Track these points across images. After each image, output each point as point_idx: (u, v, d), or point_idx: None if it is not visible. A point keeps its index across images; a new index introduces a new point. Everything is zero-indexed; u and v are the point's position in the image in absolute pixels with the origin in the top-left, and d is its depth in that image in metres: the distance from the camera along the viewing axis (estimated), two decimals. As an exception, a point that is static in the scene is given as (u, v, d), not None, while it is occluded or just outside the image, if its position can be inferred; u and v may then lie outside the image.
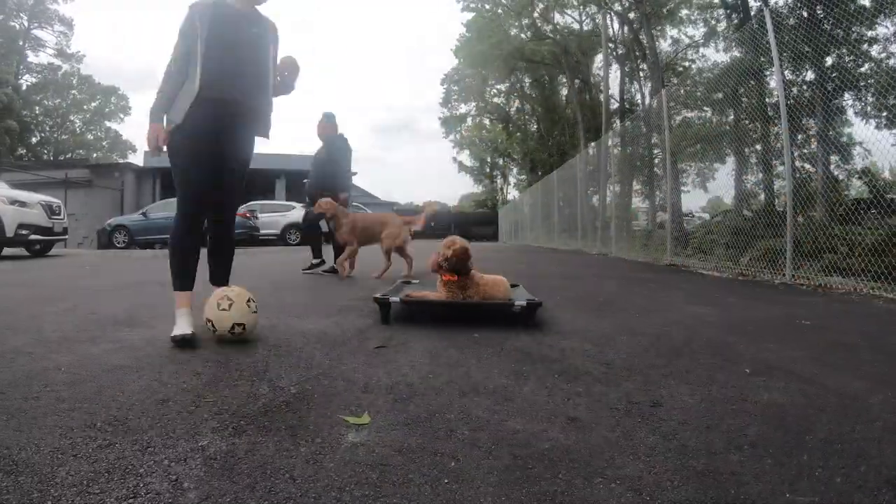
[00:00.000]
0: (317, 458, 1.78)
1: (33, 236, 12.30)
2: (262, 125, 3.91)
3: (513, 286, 4.92)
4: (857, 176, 10.60)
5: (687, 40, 31.88)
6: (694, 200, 14.31)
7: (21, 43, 49.43)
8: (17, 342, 3.39)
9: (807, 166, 11.14)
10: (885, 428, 2.12)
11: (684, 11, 30.42)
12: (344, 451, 1.84)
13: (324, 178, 8.43)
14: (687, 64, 31.56)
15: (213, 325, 3.43)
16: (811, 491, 1.61)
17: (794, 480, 1.67)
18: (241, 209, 21.80)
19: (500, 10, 37.32)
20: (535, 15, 35.82)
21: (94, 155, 57.94)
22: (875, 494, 1.59)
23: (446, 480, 1.65)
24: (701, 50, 30.61)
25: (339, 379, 2.68)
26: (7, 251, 12.29)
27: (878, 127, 11.01)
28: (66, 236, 13.95)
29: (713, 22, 28.68)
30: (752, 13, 17.69)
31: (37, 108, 54.88)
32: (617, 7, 29.61)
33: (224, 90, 3.59)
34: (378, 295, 4.29)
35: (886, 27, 10.65)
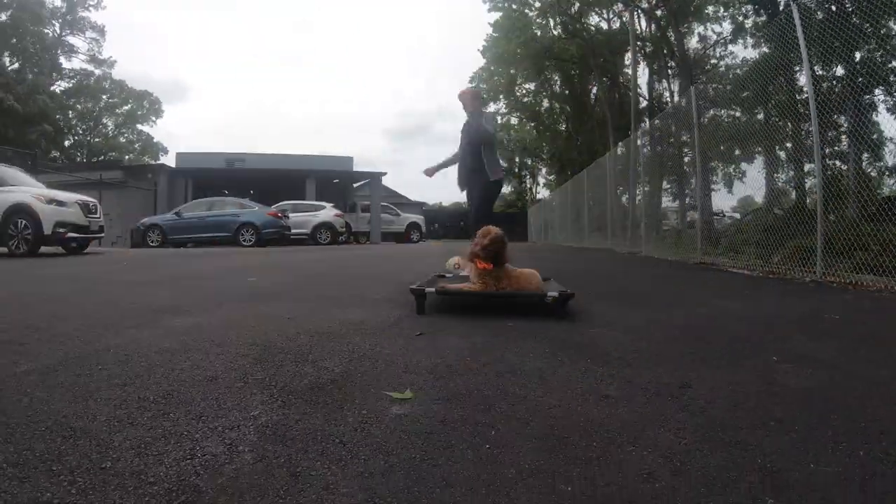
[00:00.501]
0: (364, 427, 1.89)
1: (70, 234, 12.50)
2: None
3: (544, 280, 4.99)
4: (887, 174, 10.50)
5: (714, 37, 31.61)
6: (724, 199, 14.20)
7: (55, 50, 50.22)
8: (66, 328, 3.52)
9: (837, 163, 11.07)
10: (909, 410, 2.17)
11: (710, 8, 30.11)
12: (390, 421, 1.95)
13: None
14: (715, 61, 31.29)
15: None
16: (834, 462, 1.67)
17: (818, 453, 1.74)
18: (272, 209, 22.07)
19: (527, 11, 37.30)
20: (564, 18, 35.78)
21: (126, 157, 58.68)
22: (896, 465, 1.65)
23: (487, 446, 1.75)
24: (729, 47, 30.35)
25: (380, 361, 2.79)
26: (44, 248, 12.50)
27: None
28: (102, 234, 14.16)
29: (740, 18, 28.39)
30: (781, 8, 17.56)
31: (70, 112, 55.68)
32: (644, 4, 29.50)
33: None
34: (414, 286, 4.40)
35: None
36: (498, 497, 1.44)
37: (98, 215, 13.54)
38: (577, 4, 34.81)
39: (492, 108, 46.40)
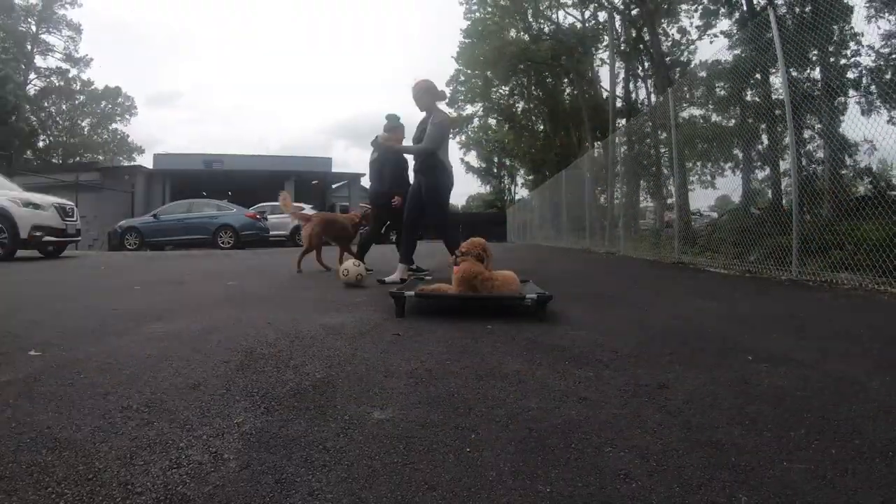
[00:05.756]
0: (347, 432, 1.91)
1: (47, 238, 12.35)
2: None
3: (522, 282, 5.03)
4: (862, 174, 10.59)
5: (695, 33, 31.53)
6: (701, 199, 14.28)
7: (29, 47, 49.53)
8: (45, 335, 3.50)
9: (813, 165, 11.18)
10: (881, 408, 2.22)
11: (684, 6, 29.97)
12: (371, 426, 1.97)
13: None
14: (690, 57, 31.27)
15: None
16: (807, 460, 1.72)
17: (791, 451, 1.79)
18: (251, 210, 21.91)
19: (497, 16, 37.35)
20: (530, 18, 35.90)
21: (100, 157, 57.96)
22: (869, 464, 1.70)
23: (468, 449, 1.78)
24: (705, 48, 30.38)
25: (360, 365, 2.81)
26: (20, 252, 12.36)
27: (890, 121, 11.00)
28: (79, 238, 14.03)
29: (717, 18, 28.39)
30: (758, 9, 17.70)
31: (43, 113, 54.96)
32: (619, 3, 29.56)
33: None
34: (393, 289, 4.42)
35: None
36: (479, 499, 1.47)
37: (75, 218, 13.38)
38: (551, 5, 34.89)
39: (469, 109, 46.41)
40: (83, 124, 60.37)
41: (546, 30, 36.15)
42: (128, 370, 2.67)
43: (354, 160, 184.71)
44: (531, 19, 36.60)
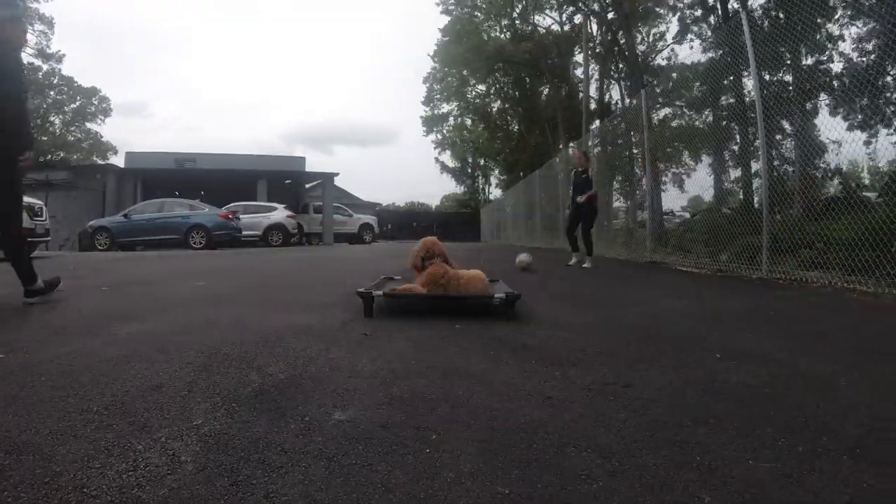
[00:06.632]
0: (306, 434, 1.88)
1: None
2: None
3: (492, 281, 5.03)
4: (830, 176, 10.71)
5: (669, 38, 31.80)
6: (674, 199, 14.37)
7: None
8: (8, 337, 3.43)
9: (784, 165, 11.30)
10: (850, 405, 2.23)
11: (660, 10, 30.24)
12: (331, 427, 1.94)
13: None
14: (665, 60, 31.53)
15: None
16: (773, 458, 1.72)
17: (757, 449, 1.79)
18: (223, 210, 21.69)
19: (477, 14, 37.40)
20: (514, 15, 35.97)
21: (74, 156, 57.15)
22: (836, 462, 1.70)
23: (428, 450, 1.76)
24: (678, 52, 30.64)
25: (325, 366, 2.78)
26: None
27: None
28: (48, 238, 13.84)
29: (691, 23, 28.64)
30: (731, 13, 17.88)
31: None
32: (595, 6, 29.72)
33: None
34: (362, 289, 4.39)
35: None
36: (435, 501, 1.46)
37: (44, 218, 13.21)
38: (534, 7, 35.02)
39: (445, 108, 46.49)
40: (55, 121, 59.52)
41: (528, 30, 36.24)
42: (90, 372, 2.62)
43: (316, 162, 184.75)
44: (506, 20, 36.71)
